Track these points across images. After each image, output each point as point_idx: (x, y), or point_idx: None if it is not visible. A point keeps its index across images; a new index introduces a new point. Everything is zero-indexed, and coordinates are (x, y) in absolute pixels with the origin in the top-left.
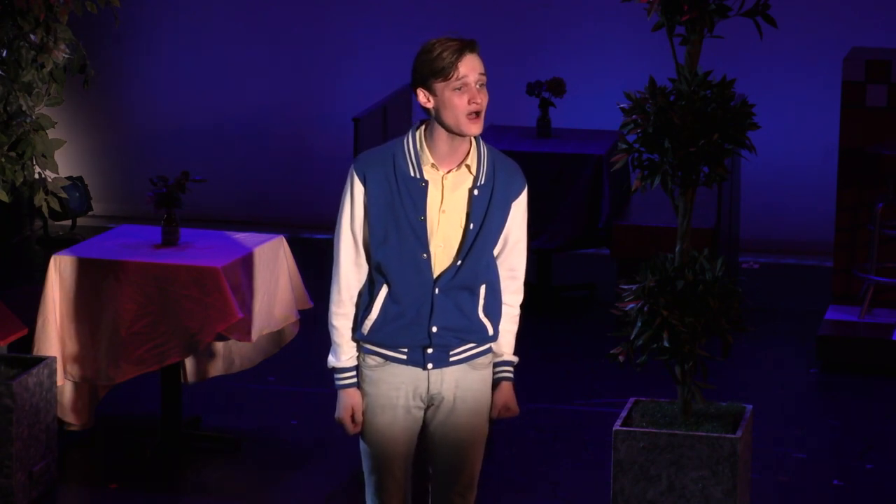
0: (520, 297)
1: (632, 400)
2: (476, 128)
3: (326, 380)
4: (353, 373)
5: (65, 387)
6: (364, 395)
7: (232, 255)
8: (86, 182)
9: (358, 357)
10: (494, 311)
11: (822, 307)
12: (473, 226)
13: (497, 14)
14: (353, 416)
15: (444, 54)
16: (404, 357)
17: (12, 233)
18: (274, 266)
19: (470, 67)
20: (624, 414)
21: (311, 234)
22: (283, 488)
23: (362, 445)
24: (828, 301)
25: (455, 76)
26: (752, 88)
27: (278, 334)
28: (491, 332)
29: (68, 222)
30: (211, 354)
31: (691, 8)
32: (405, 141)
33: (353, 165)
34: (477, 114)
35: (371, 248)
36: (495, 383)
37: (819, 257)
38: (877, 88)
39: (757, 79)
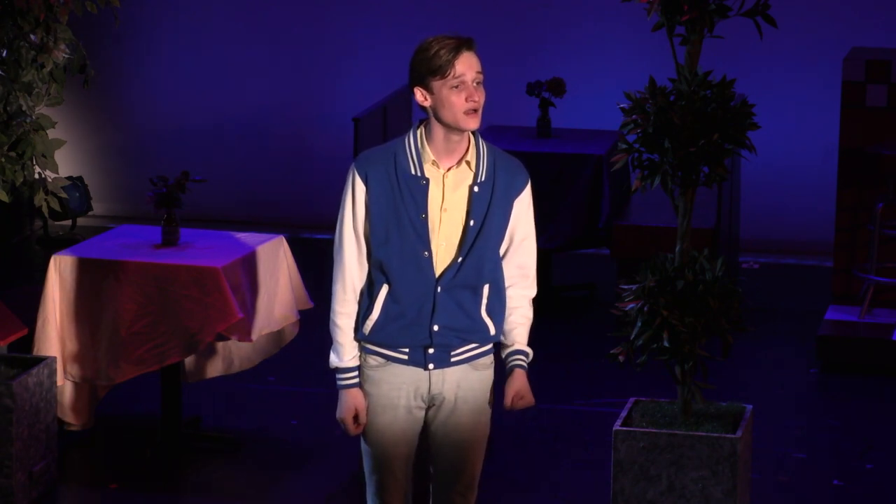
0: (532, 292)
1: (632, 400)
2: (474, 123)
3: (326, 380)
4: (356, 373)
5: (65, 387)
6: (365, 395)
7: (232, 255)
8: (86, 182)
9: (359, 357)
10: (498, 312)
11: (822, 307)
12: (474, 223)
13: (497, 14)
14: (355, 417)
15: (441, 52)
16: (405, 357)
17: (12, 233)
18: (274, 266)
19: (467, 65)
20: (624, 414)
21: (312, 234)
22: (283, 488)
23: (363, 445)
24: (828, 301)
25: (452, 74)
26: (752, 88)
27: (278, 334)
28: (493, 332)
29: (68, 222)
30: (211, 354)
31: (691, 8)
32: (406, 140)
33: (353, 164)
34: (475, 111)
35: (372, 247)
36: (508, 371)
37: (819, 257)
38: (877, 88)
39: (757, 79)
